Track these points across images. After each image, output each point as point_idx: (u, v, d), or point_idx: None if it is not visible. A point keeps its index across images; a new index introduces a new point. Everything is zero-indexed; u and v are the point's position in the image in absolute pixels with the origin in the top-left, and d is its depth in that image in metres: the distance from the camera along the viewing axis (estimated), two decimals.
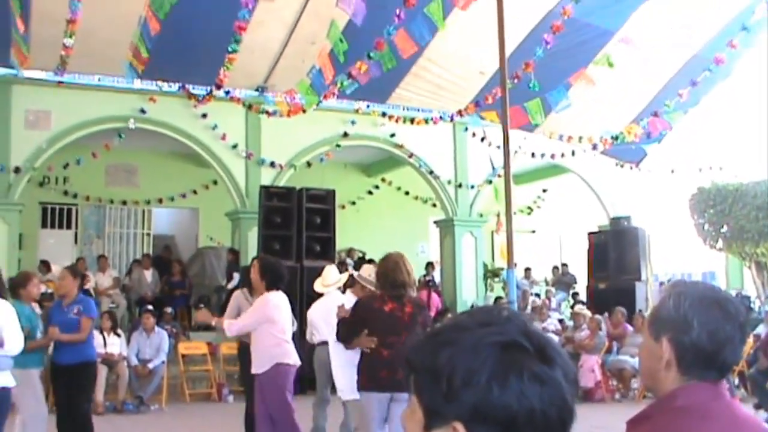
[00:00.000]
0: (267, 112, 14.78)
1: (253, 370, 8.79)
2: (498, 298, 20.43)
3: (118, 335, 15.43)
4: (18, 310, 8.01)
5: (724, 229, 24.36)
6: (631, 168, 16.65)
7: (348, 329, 7.55)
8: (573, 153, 20.82)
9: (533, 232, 26.72)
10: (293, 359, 8.74)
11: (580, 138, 14.73)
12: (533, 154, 21.52)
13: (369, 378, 7.24)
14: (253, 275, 9.15)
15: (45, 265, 19.46)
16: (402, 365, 1.59)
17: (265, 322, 8.67)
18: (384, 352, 7.13)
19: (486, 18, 9.62)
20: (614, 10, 10.98)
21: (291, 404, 8.66)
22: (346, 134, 20.59)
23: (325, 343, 9.71)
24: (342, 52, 10.48)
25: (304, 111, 13.57)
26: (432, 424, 1.48)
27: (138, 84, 16.71)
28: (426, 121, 17.47)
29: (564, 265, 24.84)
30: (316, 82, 11.54)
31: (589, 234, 22.60)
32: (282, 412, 8.65)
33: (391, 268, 7.44)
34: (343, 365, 7.89)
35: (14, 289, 9.25)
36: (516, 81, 11.27)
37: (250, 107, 15.66)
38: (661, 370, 2.32)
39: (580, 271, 23.42)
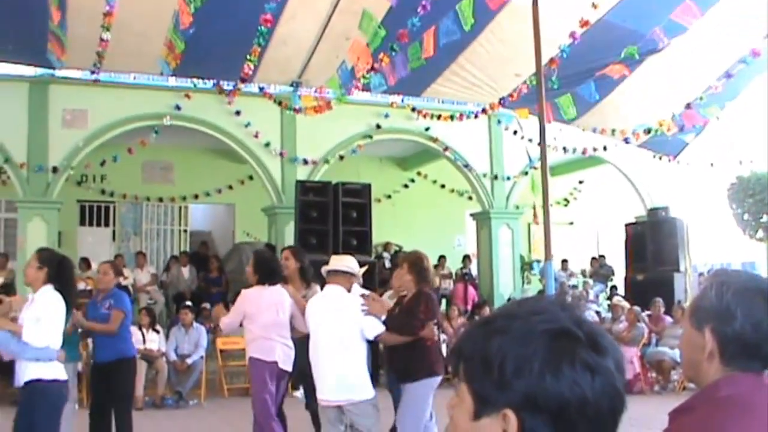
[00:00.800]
0: (295, 110, 14.77)
1: None
2: (540, 292, 20.34)
3: (157, 331, 15.54)
4: None
5: (764, 219, 24.09)
6: (669, 160, 16.47)
7: (426, 321, 7.64)
8: (605, 148, 20.73)
9: (571, 223, 26.59)
10: (267, 355, 8.72)
11: (613, 131, 14.60)
12: (565, 149, 21.35)
13: (438, 364, 7.57)
14: (248, 269, 9.23)
15: (85, 263, 19.64)
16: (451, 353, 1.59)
17: (243, 317, 8.80)
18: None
19: (525, 25, 9.56)
20: (647, 13, 10.81)
21: (264, 399, 8.73)
22: (379, 127, 20.55)
23: None
24: (381, 38, 10.39)
25: (330, 107, 13.55)
26: (482, 412, 1.48)
27: (173, 81, 16.78)
28: (452, 118, 17.41)
29: (601, 256, 24.65)
30: (344, 77, 11.48)
31: (627, 225, 22.46)
32: (255, 407, 8.84)
33: (429, 263, 7.82)
34: (364, 363, 7.84)
35: None
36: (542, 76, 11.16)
37: (280, 104, 15.66)
38: (704, 360, 2.28)
39: (617, 262, 23.28)
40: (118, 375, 9.49)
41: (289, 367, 8.89)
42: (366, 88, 11.96)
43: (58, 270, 7.28)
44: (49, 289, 7.12)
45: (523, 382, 1.42)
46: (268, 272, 8.93)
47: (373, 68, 11.09)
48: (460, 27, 10.18)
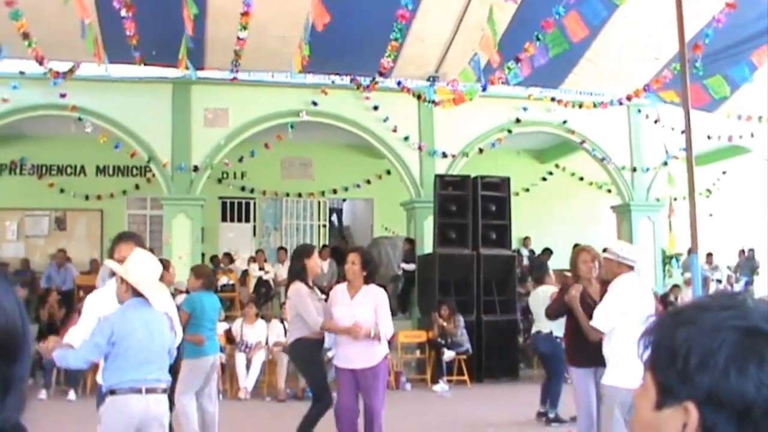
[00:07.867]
0: (434, 102, 14.74)
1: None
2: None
3: None
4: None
5: None
6: None
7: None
8: (752, 135, 20.06)
9: (711, 215, 25.80)
10: None
11: (760, 117, 14.13)
12: (709, 137, 20.76)
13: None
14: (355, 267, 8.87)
15: (228, 257, 20.06)
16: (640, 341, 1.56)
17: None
18: None
19: (665, 5, 9.30)
20: None
21: None
22: (518, 120, 20.40)
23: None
24: (497, 35, 10.27)
25: (464, 100, 13.44)
26: (664, 403, 1.44)
27: (310, 78, 16.96)
28: (594, 105, 17.10)
29: (751, 250, 23.93)
30: (477, 70, 11.34)
31: None
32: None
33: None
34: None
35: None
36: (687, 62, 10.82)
37: (419, 97, 15.66)
38: None
39: (764, 255, 22.55)
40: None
41: None
42: (505, 81, 11.82)
43: None
44: None
45: (706, 376, 1.38)
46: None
47: (518, 60, 10.97)
48: (605, 8, 9.90)
